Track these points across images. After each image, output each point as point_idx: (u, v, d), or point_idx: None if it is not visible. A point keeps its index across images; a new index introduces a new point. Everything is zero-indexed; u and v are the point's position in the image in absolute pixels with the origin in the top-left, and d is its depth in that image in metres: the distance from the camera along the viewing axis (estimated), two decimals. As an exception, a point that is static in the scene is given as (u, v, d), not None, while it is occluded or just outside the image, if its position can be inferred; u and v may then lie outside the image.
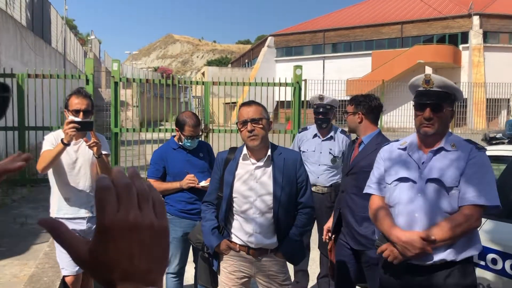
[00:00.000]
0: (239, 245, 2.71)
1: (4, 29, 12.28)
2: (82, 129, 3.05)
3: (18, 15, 13.86)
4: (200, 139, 3.72)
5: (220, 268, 2.80)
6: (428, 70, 31.88)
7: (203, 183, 3.46)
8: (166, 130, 9.24)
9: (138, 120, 16.37)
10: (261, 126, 2.61)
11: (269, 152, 2.69)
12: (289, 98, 9.74)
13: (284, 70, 32.09)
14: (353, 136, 4.06)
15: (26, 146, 8.78)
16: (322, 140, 4.33)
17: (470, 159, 2.25)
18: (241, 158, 2.73)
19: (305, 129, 4.56)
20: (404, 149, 2.43)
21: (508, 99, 20.85)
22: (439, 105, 2.30)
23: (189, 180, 3.49)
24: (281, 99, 12.15)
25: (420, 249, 2.24)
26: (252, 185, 2.66)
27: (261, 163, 2.69)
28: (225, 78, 10.06)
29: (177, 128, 3.62)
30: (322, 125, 4.32)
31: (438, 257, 2.26)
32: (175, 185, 3.53)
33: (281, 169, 2.66)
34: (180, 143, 3.64)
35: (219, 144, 8.20)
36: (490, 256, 2.94)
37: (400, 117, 19.49)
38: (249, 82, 9.76)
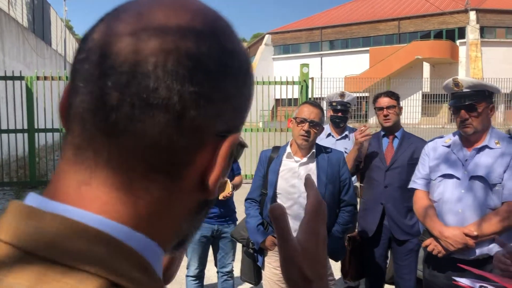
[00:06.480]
0: None
1: (7, 31, 12.26)
2: None
3: (20, 17, 13.82)
4: None
5: (265, 264, 2.86)
6: (426, 65, 32.00)
7: None
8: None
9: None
10: (316, 130, 2.71)
11: (313, 149, 2.76)
12: (289, 96, 9.78)
13: (282, 68, 32.12)
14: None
15: (36, 148, 8.80)
16: (337, 140, 4.19)
17: None
18: (284, 156, 2.80)
19: None
20: (449, 146, 2.50)
21: (509, 94, 20.97)
22: (472, 106, 2.36)
23: None
24: (282, 97, 12.21)
25: (462, 244, 2.31)
26: (296, 182, 2.73)
27: (304, 159, 2.76)
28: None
29: None
30: (340, 124, 4.17)
31: (481, 251, 2.33)
32: None
33: (325, 167, 2.73)
34: None
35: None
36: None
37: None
38: (256, 81, 9.82)
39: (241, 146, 0.51)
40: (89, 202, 0.43)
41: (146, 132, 0.42)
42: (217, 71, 0.44)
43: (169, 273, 0.79)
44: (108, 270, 0.39)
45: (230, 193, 3.41)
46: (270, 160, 2.83)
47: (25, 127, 8.67)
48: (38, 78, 8.55)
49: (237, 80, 0.47)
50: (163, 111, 0.42)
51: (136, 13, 0.44)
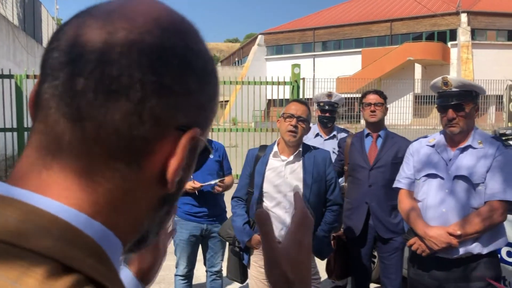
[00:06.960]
0: None
1: (-3, 29, 12.16)
2: None
3: (10, 15, 13.71)
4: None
5: (251, 262, 2.87)
6: (418, 67, 32.18)
7: (209, 182, 3.42)
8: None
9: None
10: (303, 126, 2.72)
11: (300, 148, 2.78)
12: (281, 96, 9.80)
13: (274, 69, 32.14)
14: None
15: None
16: (325, 140, 4.18)
17: (496, 156, 2.34)
18: (271, 155, 2.82)
19: None
20: (433, 146, 2.52)
21: (501, 96, 21.14)
22: (460, 105, 2.38)
23: (189, 186, 3.42)
24: (273, 98, 12.23)
25: (446, 244, 2.33)
26: (282, 181, 2.74)
27: (291, 158, 2.77)
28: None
29: None
30: (327, 124, 4.17)
31: (464, 250, 2.35)
32: None
33: (311, 167, 2.74)
34: None
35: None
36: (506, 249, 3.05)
37: (393, 115, 19.75)
38: (247, 81, 9.82)
39: (204, 150, 0.52)
40: (49, 187, 0.44)
41: (108, 118, 0.44)
42: (179, 65, 0.46)
43: (150, 275, 0.78)
44: (61, 255, 0.40)
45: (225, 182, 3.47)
46: (257, 159, 2.85)
47: (15, 126, 8.61)
48: (27, 76, 8.49)
49: (200, 78, 0.49)
50: (124, 98, 0.44)
51: (107, 10, 0.46)
